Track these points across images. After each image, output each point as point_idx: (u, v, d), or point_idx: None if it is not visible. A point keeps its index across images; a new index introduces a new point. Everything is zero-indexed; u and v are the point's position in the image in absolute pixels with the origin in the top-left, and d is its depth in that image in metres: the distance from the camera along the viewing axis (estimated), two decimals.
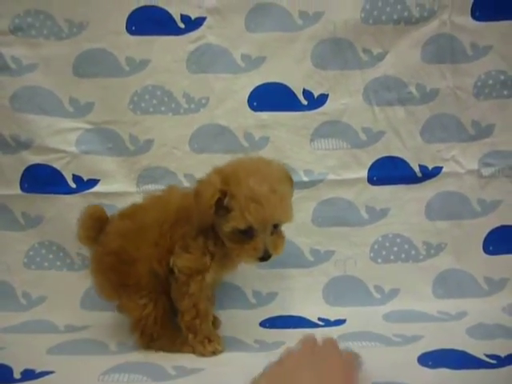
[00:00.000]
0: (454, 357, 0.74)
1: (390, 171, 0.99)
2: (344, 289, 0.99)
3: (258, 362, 0.59)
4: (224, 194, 0.71)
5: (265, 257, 0.73)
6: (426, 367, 0.71)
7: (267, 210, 0.70)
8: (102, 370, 0.73)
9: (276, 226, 0.74)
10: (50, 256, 0.99)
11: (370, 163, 0.99)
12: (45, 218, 0.99)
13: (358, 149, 0.99)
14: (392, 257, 1.00)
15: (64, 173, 0.98)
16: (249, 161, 0.78)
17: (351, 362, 0.64)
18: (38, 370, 0.74)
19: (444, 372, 0.70)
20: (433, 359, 0.73)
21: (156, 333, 0.81)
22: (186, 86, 0.97)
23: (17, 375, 0.73)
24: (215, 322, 0.89)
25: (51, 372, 0.73)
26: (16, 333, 0.90)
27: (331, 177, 0.99)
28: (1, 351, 0.81)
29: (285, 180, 0.76)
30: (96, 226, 0.85)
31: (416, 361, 0.74)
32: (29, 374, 0.73)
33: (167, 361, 0.77)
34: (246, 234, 0.72)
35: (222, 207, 0.72)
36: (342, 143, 0.99)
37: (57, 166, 0.97)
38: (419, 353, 0.76)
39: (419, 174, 1.00)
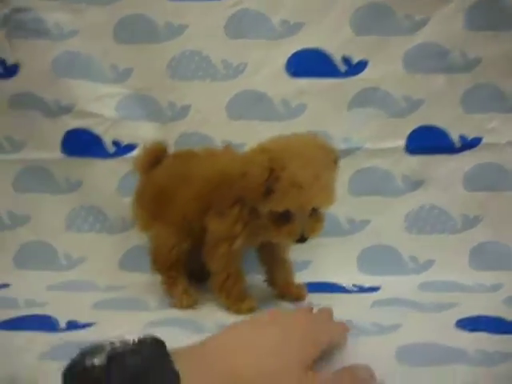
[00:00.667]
0: (491, 322, 0.74)
1: (428, 141, 0.97)
2: (378, 258, 0.98)
3: None
4: (271, 174, 0.70)
5: (301, 240, 0.73)
6: (464, 331, 0.71)
7: (307, 196, 0.70)
8: (143, 324, 0.75)
9: (315, 209, 0.74)
10: (90, 219, 1.02)
11: (408, 132, 0.97)
12: (84, 182, 1.01)
13: (396, 117, 0.97)
14: (428, 228, 0.99)
15: (103, 138, 0.99)
16: (296, 141, 0.75)
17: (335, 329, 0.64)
18: (82, 321, 0.77)
19: (482, 336, 0.69)
20: (470, 324, 0.73)
21: (163, 267, 0.87)
22: (224, 51, 0.97)
23: (62, 325, 0.76)
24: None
25: (94, 323, 0.76)
26: (58, 290, 0.94)
27: (368, 145, 0.98)
28: (46, 305, 0.85)
29: (330, 165, 0.75)
30: (153, 159, 0.89)
31: (454, 325, 0.73)
32: (73, 324, 0.76)
33: (206, 317, 0.79)
34: (284, 216, 0.72)
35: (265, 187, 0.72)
36: (380, 111, 0.97)
37: (96, 130, 0.99)
38: (456, 318, 0.75)
39: (458, 144, 0.97)
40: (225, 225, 0.79)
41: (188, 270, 0.90)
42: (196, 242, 0.85)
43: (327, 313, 0.69)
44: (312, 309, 0.71)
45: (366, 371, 0.56)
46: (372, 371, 0.56)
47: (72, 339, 0.70)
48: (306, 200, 0.70)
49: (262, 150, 0.73)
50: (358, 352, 0.65)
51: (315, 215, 0.74)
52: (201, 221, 0.82)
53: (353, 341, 0.67)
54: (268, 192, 0.71)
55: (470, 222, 0.98)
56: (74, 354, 0.41)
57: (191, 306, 0.84)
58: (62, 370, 0.40)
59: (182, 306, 0.84)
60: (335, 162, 0.77)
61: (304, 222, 0.72)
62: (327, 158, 0.74)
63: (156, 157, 0.89)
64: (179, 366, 0.41)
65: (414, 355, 0.63)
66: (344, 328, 0.66)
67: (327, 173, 0.72)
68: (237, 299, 0.82)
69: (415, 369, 0.61)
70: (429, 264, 0.98)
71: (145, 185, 0.90)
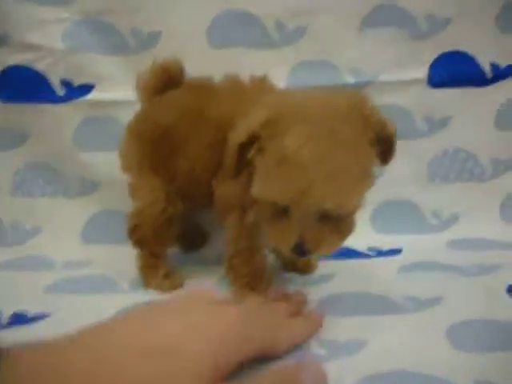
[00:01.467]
0: None
1: (454, 70, 0.80)
2: (394, 214, 0.83)
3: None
4: (251, 142, 0.50)
5: (298, 250, 0.50)
6: None
7: (299, 185, 0.47)
8: (112, 312, 0.58)
9: (327, 214, 0.49)
10: (40, 181, 0.83)
11: (431, 59, 0.80)
12: (31, 135, 0.82)
13: (417, 41, 0.79)
14: (452, 175, 0.84)
15: (49, 76, 0.79)
16: (317, 100, 0.52)
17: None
18: (32, 312, 0.60)
19: None
20: None
21: (149, 239, 0.68)
22: None
23: (5, 320, 0.59)
24: None
25: (47, 315, 0.59)
26: (3, 270, 0.76)
27: (383, 77, 0.80)
28: None
29: (361, 145, 0.50)
30: (163, 83, 0.68)
31: (505, 292, 0.60)
32: (19, 317, 0.59)
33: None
34: (282, 212, 0.51)
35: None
36: (398, 33, 0.79)
37: (40, 67, 0.79)
38: (506, 283, 0.61)
39: (489, 75, 0.81)
40: (235, 191, 0.59)
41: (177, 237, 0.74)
42: (194, 206, 0.67)
43: (295, 303, 0.55)
44: (282, 295, 0.57)
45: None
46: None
47: (16, 339, 0.53)
48: (295, 191, 0.47)
49: (268, 103, 0.52)
50: (398, 335, 0.52)
51: (327, 221, 0.50)
52: (209, 181, 0.62)
53: (388, 321, 0.55)
54: (243, 167, 0.52)
55: (502, 168, 0.83)
56: None
57: (174, 289, 0.68)
58: None
59: (162, 290, 0.68)
60: (373, 142, 0.51)
61: (305, 227, 0.50)
62: (359, 133, 0.49)
63: (168, 79, 0.68)
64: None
65: (469, 338, 0.50)
66: (316, 322, 0.53)
67: (349, 156, 0.48)
68: (244, 284, 0.64)
69: (474, 356, 0.47)
70: (454, 218, 0.84)
71: (145, 118, 0.69)
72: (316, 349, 0.50)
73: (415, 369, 0.46)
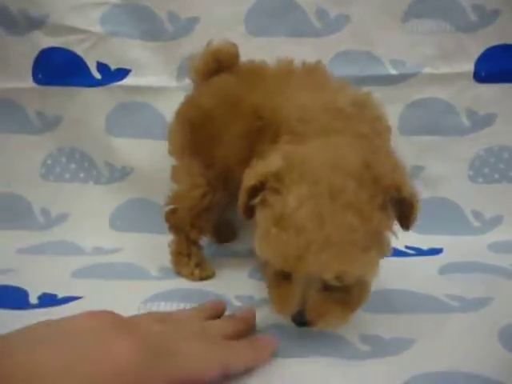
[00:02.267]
0: None
1: (503, 64, 0.77)
2: (435, 214, 0.79)
3: None
4: (260, 187, 0.46)
5: (297, 320, 0.45)
6: None
7: (298, 249, 0.42)
8: (142, 298, 0.57)
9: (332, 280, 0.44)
10: (72, 166, 0.82)
11: (478, 53, 0.77)
12: (64, 118, 0.81)
13: (464, 33, 0.76)
14: (496, 175, 0.80)
15: (86, 59, 0.78)
16: (329, 155, 0.46)
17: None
18: (61, 294, 0.59)
19: None
20: None
21: (185, 224, 0.66)
22: None
23: (33, 300, 0.58)
24: None
25: (78, 297, 0.58)
26: (32, 254, 0.74)
27: (427, 70, 0.77)
28: (12, 273, 0.66)
29: (372, 208, 0.43)
30: (216, 65, 0.66)
31: None
32: (48, 298, 0.58)
33: (225, 289, 0.61)
34: (284, 274, 0.47)
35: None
36: (444, 25, 0.76)
37: (77, 50, 0.78)
38: None
39: None
40: None
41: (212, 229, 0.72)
42: (230, 196, 0.64)
43: (239, 322, 0.48)
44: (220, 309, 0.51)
45: None
46: None
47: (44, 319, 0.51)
48: (291, 256, 0.42)
49: (286, 150, 0.47)
50: (447, 333, 0.49)
51: (333, 290, 0.45)
52: (242, 170, 0.55)
53: (437, 319, 0.52)
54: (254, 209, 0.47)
55: None
56: None
57: (205, 279, 0.66)
58: None
59: (193, 279, 0.66)
60: (386, 205, 0.44)
61: (308, 295, 0.45)
62: (368, 194, 0.43)
63: (219, 63, 0.66)
64: None
65: None
66: (265, 347, 0.46)
67: (353, 220, 0.42)
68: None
69: None
70: (497, 220, 0.80)
71: (190, 102, 0.68)
72: (359, 344, 0.48)
73: (466, 369, 0.43)
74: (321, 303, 0.45)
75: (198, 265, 0.66)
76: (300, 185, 0.43)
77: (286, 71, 0.61)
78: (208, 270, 0.67)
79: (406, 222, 0.47)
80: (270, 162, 0.46)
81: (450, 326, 0.51)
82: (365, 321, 0.52)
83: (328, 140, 0.48)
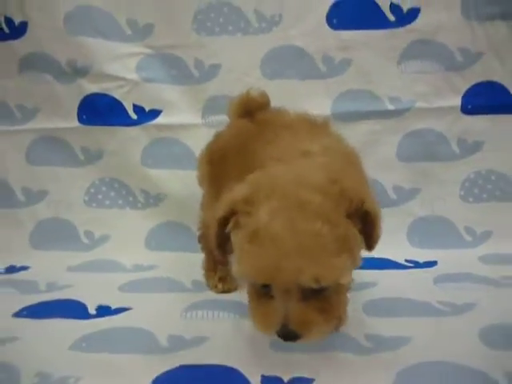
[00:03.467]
0: None
1: (487, 98, 0.87)
2: (431, 230, 0.89)
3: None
4: (231, 216, 0.49)
5: (283, 333, 0.47)
6: None
7: (275, 259, 0.44)
8: (183, 307, 0.67)
9: (311, 290, 0.46)
10: (112, 193, 0.94)
11: (464, 89, 0.87)
12: (105, 153, 0.93)
13: (452, 72, 0.87)
14: (485, 195, 0.89)
15: (124, 102, 0.90)
16: (294, 172, 0.50)
17: None
18: (114, 306, 0.69)
19: None
20: None
21: (210, 246, 0.70)
22: (257, 0, 0.87)
23: (92, 311, 0.68)
24: None
25: (128, 308, 0.68)
26: (81, 272, 0.86)
27: (420, 104, 0.88)
28: (70, 289, 0.77)
29: (336, 215, 0.46)
30: (248, 108, 0.71)
31: None
32: (104, 310, 0.68)
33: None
34: (265, 290, 0.48)
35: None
36: (435, 65, 0.87)
37: (116, 94, 0.90)
38: None
39: None
40: None
41: None
42: None
43: None
44: None
45: None
46: None
47: (107, 326, 0.62)
48: (269, 266, 0.45)
49: (251, 179, 0.51)
50: (438, 333, 0.58)
51: (312, 300, 0.47)
52: None
53: (430, 321, 0.61)
54: (226, 242, 0.51)
55: None
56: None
57: (227, 292, 0.75)
58: None
59: (217, 291, 0.75)
60: (352, 215, 0.47)
61: (289, 307, 0.47)
62: (334, 203, 0.47)
63: (249, 107, 0.72)
64: None
65: (500, 338, 0.56)
66: None
67: (323, 227, 0.45)
68: None
69: (504, 353, 0.53)
70: (486, 235, 0.89)
71: (215, 139, 0.75)
72: (363, 342, 0.57)
73: (453, 360, 0.52)
74: (303, 313, 0.47)
75: (221, 279, 0.75)
76: (270, 201, 0.46)
77: (289, 123, 0.65)
78: (230, 284, 0.75)
79: (369, 241, 0.49)
80: (237, 191, 0.49)
81: (441, 327, 0.60)
82: (369, 323, 0.61)
83: (294, 163, 0.52)
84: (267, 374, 0.51)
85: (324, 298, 0.47)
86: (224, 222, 0.49)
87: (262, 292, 0.48)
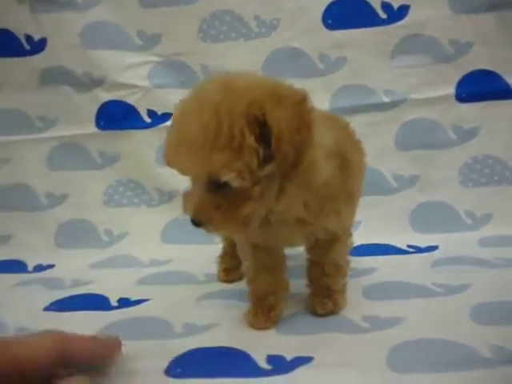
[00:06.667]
0: None
1: (480, 86, 0.91)
2: (431, 215, 0.93)
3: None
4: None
5: (192, 220, 0.50)
6: None
7: (169, 150, 0.50)
8: (197, 296, 0.72)
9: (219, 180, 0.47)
10: (128, 193, 1.00)
11: (457, 78, 0.92)
12: (121, 156, 0.99)
13: (443, 63, 0.91)
14: (483, 180, 0.93)
15: (138, 108, 0.97)
16: (234, 76, 0.52)
17: None
18: (133, 298, 0.74)
19: None
20: None
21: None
22: (256, 7, 0.93)
23: (114, 303, 0.73)
24: None
25: (147, 300, 0.73)
26: (102, 268, 0.91)
27: (414, 96, 0.92)
28: (93, 284, 0.82)
29: (238, 117, 0.46)
30: None
31: None
32: (125, 301, 0.73)
33: None
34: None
35: None
36: (426, 58, 0.92)
37: (130, 101, 0.97)
38: None
39: None
40: None
41: None
42: None
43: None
44: None
45: None
46: None
47: (127, 316, 0.67)
48: (166, 156, 0.51)
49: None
50: (431, 312, 0.61)
51: (214, 191, 0.49)
52: None
53: (422, 303, 0.64)
54: None
55: None
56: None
57: (226, 282, 0.78)
58: None
59: (219, 280, 0.79)
60: (248, 113, 0.46)
61: (197, 196, 0.50)
62: (233, 103, 0.47)
63: None
64: None
65: (489, 314, 0.58)
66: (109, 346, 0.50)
67: (212, 120, 0.46)
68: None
69: (490, 328, 0.55)
70: (486, 218, 0.92)
71: None
72: (361, 322, 0.60)
73: (444, 336, 0.54)
74: (200, 204, 0.49)
75: (224, 270, 0.79)
76: (190, 99, 0.50)
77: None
78: (233, 275, 0.78)
79: (284, 168, 0.48)
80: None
81: (433, 307, 0.62)
82: (366, 305, 0.64)
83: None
84: (272, 353, 0.54)
85: (225, 196, 0.49)
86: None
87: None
